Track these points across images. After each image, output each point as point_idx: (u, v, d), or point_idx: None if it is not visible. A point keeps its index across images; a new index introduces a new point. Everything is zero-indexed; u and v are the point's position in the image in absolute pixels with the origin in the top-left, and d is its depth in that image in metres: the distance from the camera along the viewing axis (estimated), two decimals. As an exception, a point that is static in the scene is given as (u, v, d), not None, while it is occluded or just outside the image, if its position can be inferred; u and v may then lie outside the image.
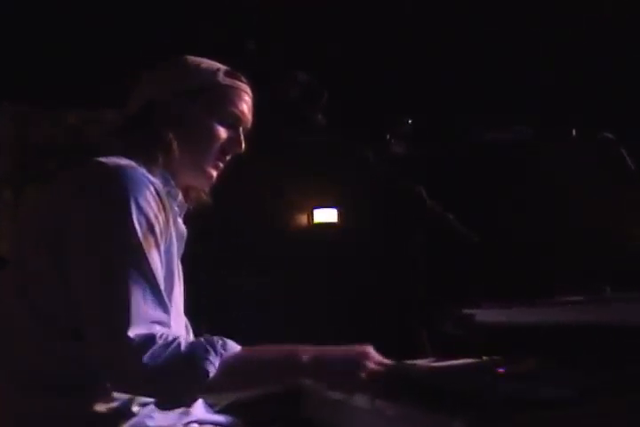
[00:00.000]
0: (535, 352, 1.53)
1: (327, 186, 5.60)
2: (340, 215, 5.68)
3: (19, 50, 4.19)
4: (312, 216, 5.67)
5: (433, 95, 4.31)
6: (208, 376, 1.25)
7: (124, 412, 1.35)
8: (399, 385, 1.37)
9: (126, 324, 1.24)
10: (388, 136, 1.75)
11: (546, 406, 1.25)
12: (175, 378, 1.26)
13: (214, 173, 1.57)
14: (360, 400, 1.38)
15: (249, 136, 1.62)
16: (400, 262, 2.55)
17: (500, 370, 1.41)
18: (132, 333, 1.24)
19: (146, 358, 1.23)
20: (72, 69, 4.29)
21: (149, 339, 1.25)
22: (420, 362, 1.59)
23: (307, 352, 1.32)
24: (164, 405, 1.32)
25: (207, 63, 1.58)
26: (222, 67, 1.58)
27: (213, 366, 1.26)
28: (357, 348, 1.35)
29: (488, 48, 4.17)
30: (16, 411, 1.34)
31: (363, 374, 1.30)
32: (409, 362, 1.57)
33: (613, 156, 1.67)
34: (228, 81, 1.56)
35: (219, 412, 1.56)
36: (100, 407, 1.33)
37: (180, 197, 1.53)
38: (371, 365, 1.32)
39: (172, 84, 1.53)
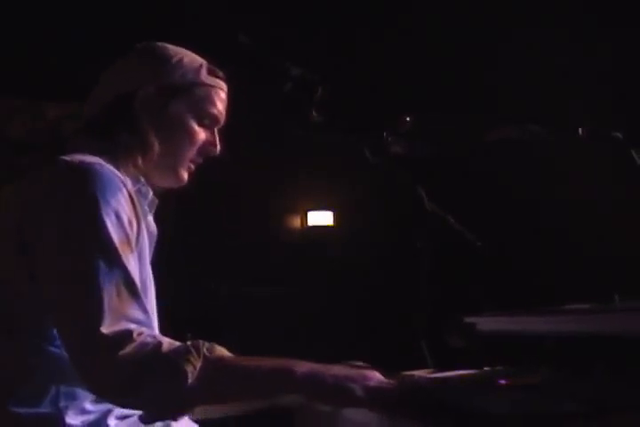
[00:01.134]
0: (540, 363, 1.54)
1: (322, 187, 5.60)
2: (335, 218, 5.68)
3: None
4: (306, 219, 5.67)
5: (437, 93, 4.32)
6: (187, 378, 1.22)
7: (100, 426, 1.34)
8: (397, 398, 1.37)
9: (99, 320, 1.24)
10: (385, 135, 1.75)
11: (550, 421, 1.25)
12: (150, 379, 1.22)
13: (186, 176, 1.58)
14: (354, 414, 1.39)
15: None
16: (399, 268, 2.56)
17: (502, 382, 1.41)
18: (105, 329, 1.23)
19: (120, 355, 1.21)
20: (54, 59, 4.28)
21: (125, 336, 1.24)
22: (419, 373, 1.59)
23: (302, 366, 1.26)
24: (145, 417, 1.31)
25: (189, 57, 1.57)
26: (203, 62, 1.58)
27: (193, 367, 1.23)
28: (361, 369, 1.31)
29: (495, 45, 4.18)
30: None
31: (360, 392, 1.24)
32: (407, 373, 1.57)
33: (622, 156, 1.68)
34: (209, 79, 1.56)
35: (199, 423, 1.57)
36: (74, 420, 1.33)
37: (151, 194, 1.53)
38: (371, 384, 1.26)
39: (154, 78, 1.52)
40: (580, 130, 1.74)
